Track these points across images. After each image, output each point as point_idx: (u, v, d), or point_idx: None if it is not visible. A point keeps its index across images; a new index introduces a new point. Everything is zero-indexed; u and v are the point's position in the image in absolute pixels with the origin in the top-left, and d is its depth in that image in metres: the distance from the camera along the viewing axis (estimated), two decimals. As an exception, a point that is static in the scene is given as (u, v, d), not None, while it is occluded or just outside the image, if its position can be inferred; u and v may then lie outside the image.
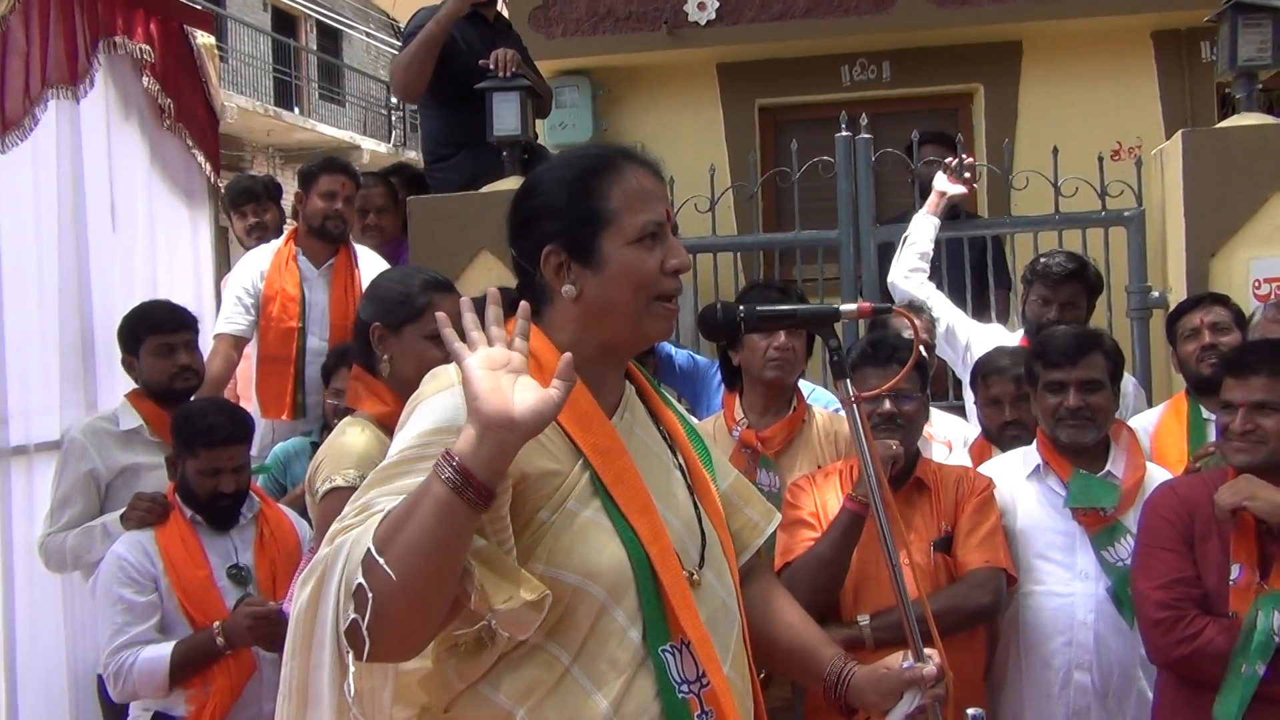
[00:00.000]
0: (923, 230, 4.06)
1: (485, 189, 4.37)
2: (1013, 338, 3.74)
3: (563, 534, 1.51)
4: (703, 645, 1.56)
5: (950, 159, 4.21)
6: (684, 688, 1.54)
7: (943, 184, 4.14)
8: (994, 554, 2.70)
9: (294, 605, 1.45)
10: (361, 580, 1.34)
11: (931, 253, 4.05)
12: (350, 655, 1.38)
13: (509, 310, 1.54)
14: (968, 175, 4.21)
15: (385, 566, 1.33)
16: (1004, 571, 2.70)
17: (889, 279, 4.06)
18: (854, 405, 1.72)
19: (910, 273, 3.98)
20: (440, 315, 1.50)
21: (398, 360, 2.50)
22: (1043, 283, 3.62)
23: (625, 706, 1.51)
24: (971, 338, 3.81)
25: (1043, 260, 3.70)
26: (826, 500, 2.77)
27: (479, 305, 1.51)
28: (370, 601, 1.34)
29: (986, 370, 3.30)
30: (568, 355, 1.43)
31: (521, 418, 1.36)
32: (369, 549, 1.35)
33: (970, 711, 1.80)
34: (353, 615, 1.35)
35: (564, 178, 1.64)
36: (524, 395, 1.38)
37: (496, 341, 1.44)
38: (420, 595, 1.36)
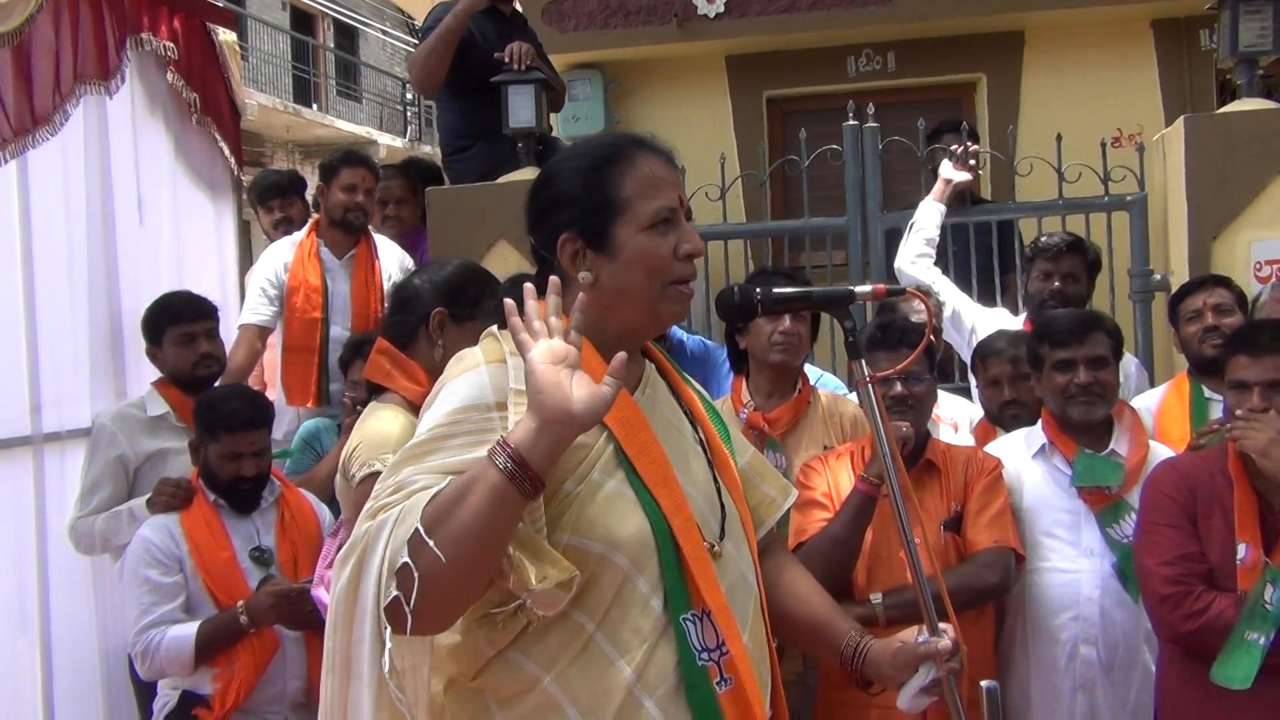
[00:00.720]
0: (929, 216, 4.12)
1: (501, 180, 4.43)
2: (1016, 322, 3.80)
3: (588, 504, 1.55)
4: (722, 614, 1.59)
5: (956, 146, 4.28)
6: (704, 655, 1.57)
7: (948, 171, 4.21)
8: (1003, 533, 2.74)
9: (335, 583, 1.47)
10: (407, 559, 1.38)
11: (937, 238, 4.11)
12: (388, 631, 1.41)
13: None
14: (973, 162, 4.27)
15: (435, 548, 1.37)
16: (1012, 550, 2.74)
17: (895, 264, 4.12)
18: (869, 386, 1.73)
19: (916, 258, 4.04)
20: (508, 303, 1.52)
21: (452, 350, 2.34)
22: (1043, 258, 3.71)
23: (647, 673, 1.54)
24: (977, 322, 3.87)
25: (1042, 238, 3.81)
26: (839, 480, 2.81)
27: (509, 290, 1.57)
28: (416, 581, 1.38)
29: (985, 352, 3.36)
30: (621, 355, 1.46)
31: (579, 414, 1.41)
32: (418, 529, 1.38)
33: (984, 684, 1.83)
34: (395, 593, 1.38)
35: (579, 167, 1.67)
36: (580, 391, 1.42)
37: (555, 333, 1.47)
38: (465, 576, 1.41)
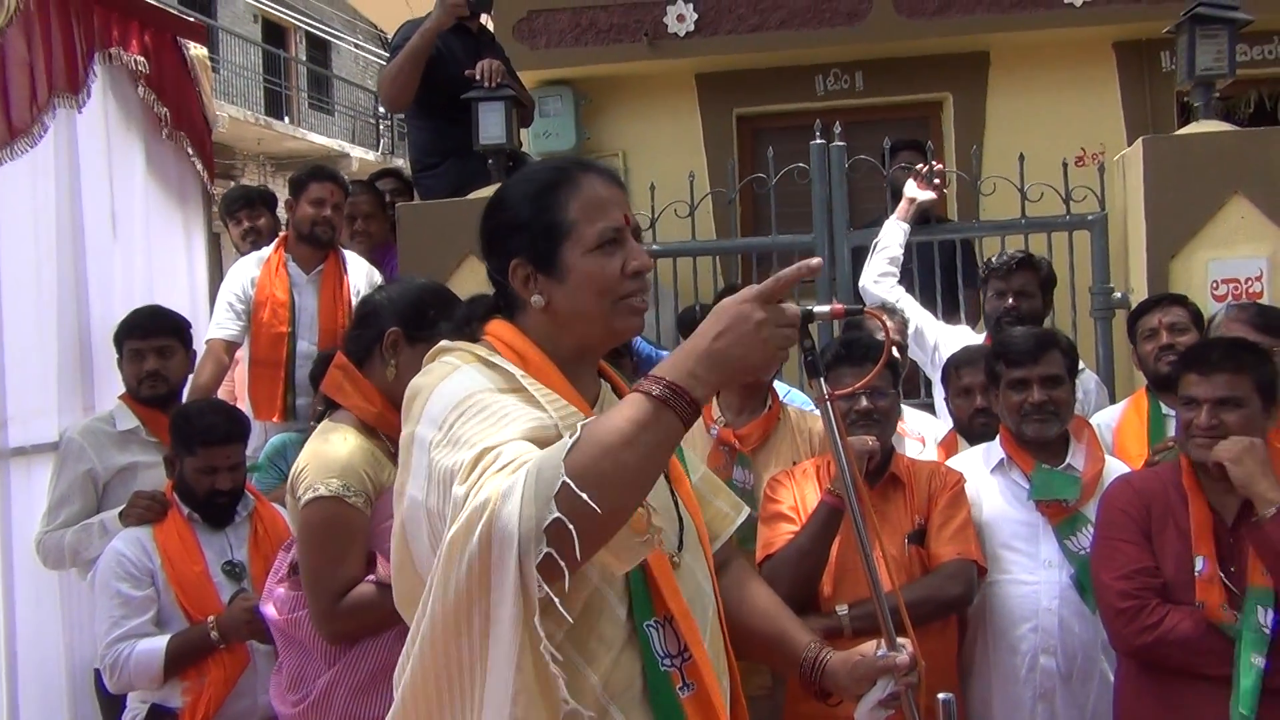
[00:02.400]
0: (893, 235, 4.18)
1: (472, 196, 4.45)
2: (978, 338, 3.86)
3: None
4: (685, 620, 1.62)
5: (921, 165, 4.34)
6: (666, 661, 1.60)
7: (913, 190, 4.27)
8: (965, 546, 2.78)
9: (453, 567, 1.42)
10: (559, 515, 1.34)
11: (901, 257, 4.17)
12: (543, 589, 1.36)
13: (488, 317, 1.64)
14: (937, 181, 4.33)
15: (589, 499, 1.34)
16: (975, 563, 2.79)
17: (860, 283, 4.17)
18: (828, 403, 1.76)
19: (880, 277, 4.10)
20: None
21: (404, 371, 2.39)
22: (996, 277, 3.79)
23: (613, 680, 1.56)
24: (939, 338, 3.94)
25: (994, 258, 3.88)
26: (805, 494, 2.85)
27: (466, 307, 1.58)
28: (575, 534, 1.34)
29: (958, 362, 3.42)
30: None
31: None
32: (565, 482, 1.35)
33: (941, 696, 1.84)
34: (546, 550, 1.34)
35: (525, 193, 1.70)
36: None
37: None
38: (621, 519, 1.40)
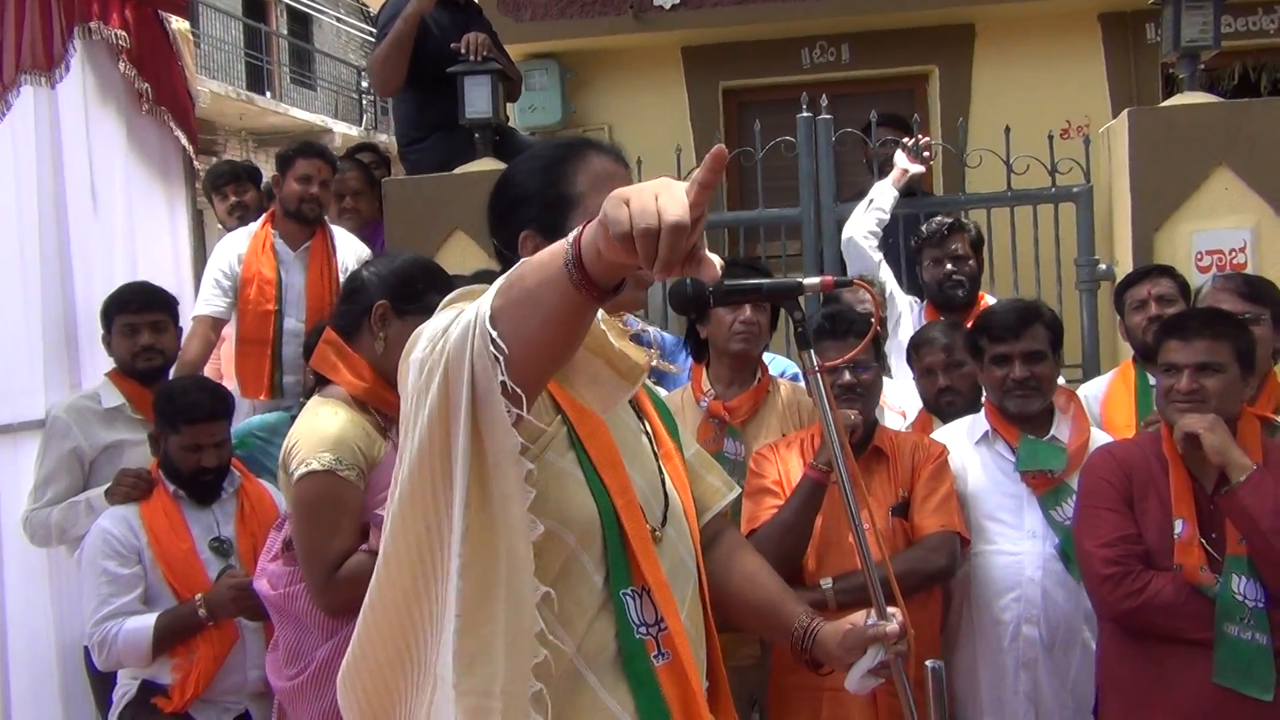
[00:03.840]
0: (885, 196, 4.17)
1: (458, 170, 4.44)
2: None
3: (539, 481, 1.56)
4: (661, 591, 1.64)
5: (908, 139, 4.34)
6: (642, 629, 1.62)
7: (903, 161, 4.27)
8: (949, 518, 2.81)
9: (422, 401, 1.43)
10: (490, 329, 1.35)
11: (887, 220, 4.18)
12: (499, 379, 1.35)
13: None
14: (926, 155, 4.34)
15: (498, 338, 1.34)
16: (958, 535, 2.82)
17: (846, 234, 4.11)
18: (818, 375, 1.77)
19: (869, 234, 4.07)
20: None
21: (393, 344, 2.41)
22: (930, 245, 3.86)
23: (586, 644, 1.59)
24: (904, 310, 3.96)
25: (923, 228, 3.93)
26: (790, 468, 2.86)
27: (461, 281, 1.57)
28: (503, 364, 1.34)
29: (919, 342, 3.43)
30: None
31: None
32: (485, 320, 1.36)
33: (929, 663, 1.87)
34: (492, 349, 1.35)
35: (535, 167, 1.75)
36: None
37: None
38: (535, 351, 1.37)
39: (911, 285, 4.21)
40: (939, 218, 3.92)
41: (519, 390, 1.36)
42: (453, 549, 1.45)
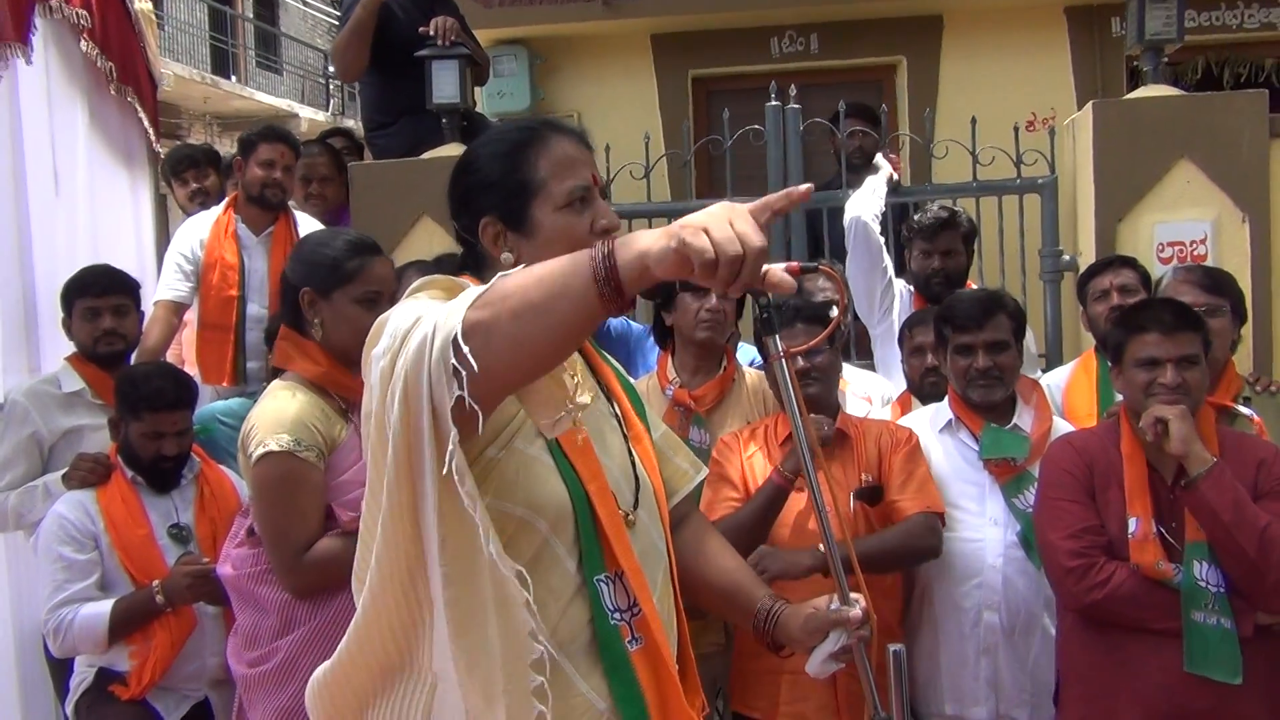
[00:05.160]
0: (882, 189, 4.15)
1: (426, 155, 4.42)
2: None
3: (509, 470, 1.59)
4: (635, 576, 1.65)
5: (891, 154, 4.35)
6: (616, 615, 1.62)
7: (886, 166, 4.28)
8: (931, 499, 2.83)
9: (377, 408, 1.44)
10: (459, 339, 1.35)
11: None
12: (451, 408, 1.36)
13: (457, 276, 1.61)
14: (893, 157, 4.37)
15: (469, 355, 1.34)
16: (939, 514, 2.84)
17: (852, 214, 3.97)
18: (782, 361, 1.77)
19: (874, 219, 4.00)
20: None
21: (329, 325, 2.49)
22: (920, 237, 3.83)
23: (560, 630, 1.59)
24: (898, 295, 3.96)
25: (915, 217, 3.90)
26: (753, 460, 2.88)
27: (425, 268, 1.56)
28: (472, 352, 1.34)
29: (912, 321, 3.46)
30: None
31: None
32: (456, 335, 1.35)
33: (891, 647, 1.89)
34: (457, 392, 1.35)
35: (495, 152, 1.72)
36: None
37: None
38: (514, 373, 1.40)
39: (898, 271, 4.21)
40: (934, 209, 3.88)
41: (476, 407, 1.37)
42: (434, 557, 1.47)
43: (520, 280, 1.38)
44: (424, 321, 1.41)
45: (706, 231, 1.31)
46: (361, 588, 1.58)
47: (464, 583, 1.47)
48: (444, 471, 1.40)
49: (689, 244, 1.30)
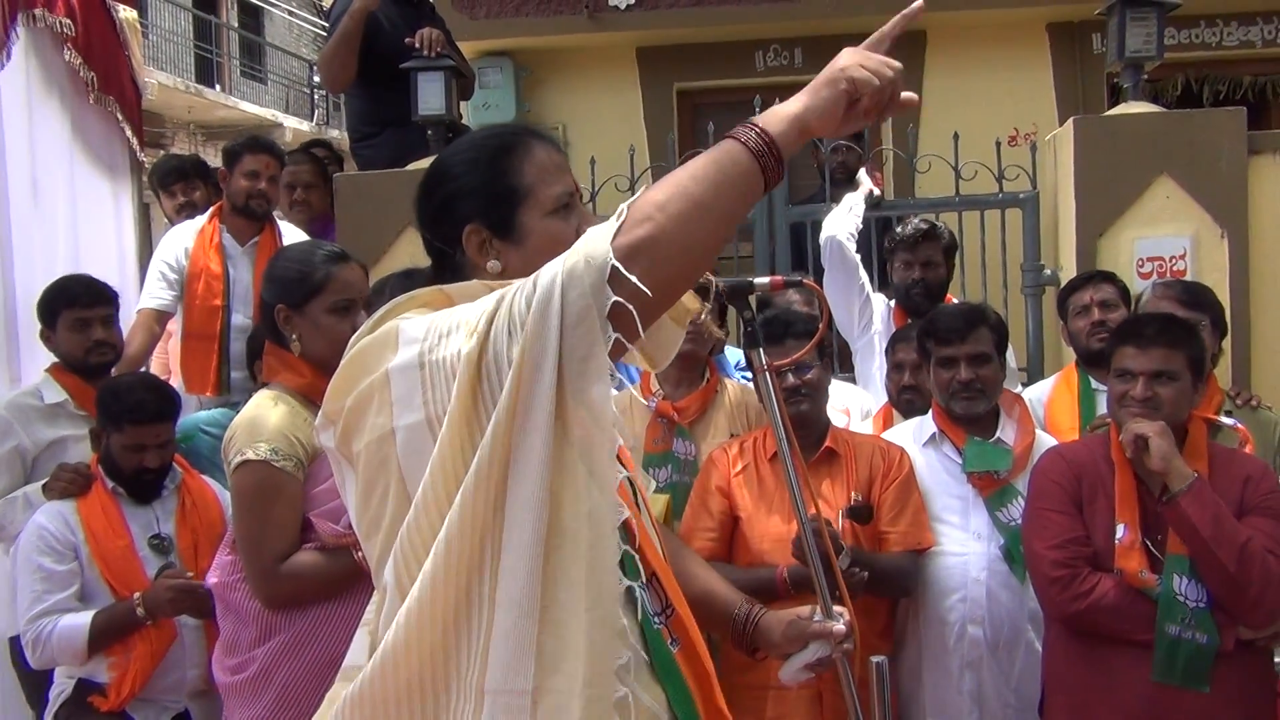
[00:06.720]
0: (860, 207, 4.17)
1: (411, 167, 4.41)
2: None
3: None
4: (666, 576, 1.62)
5: (871, 169, 4.38)
6: (656, 619, 1.58)
7: (868, 181, 4.32)
8: (921, 535, 2.87)
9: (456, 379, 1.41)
10: (616, 298, 1.34)
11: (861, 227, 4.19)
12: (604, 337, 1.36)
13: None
14: (876, 175, 4.40)
15: (637, 280, 1.33)
16: (920, 552, 2.88)
17: (828, 232, 4.01)
18: (767, 374, 1.77)
19: (849, 238, 4.03)
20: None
21: (306, 338, 2.49)
22: (902, 249, 3.86)
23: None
24: (877, 309, 3.99)
25: (897, 230, 3.93)
26: (740, 473, 2.88)
27: (403, 281, 1.53)
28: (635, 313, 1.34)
29: (896, 337, 3.48)
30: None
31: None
32: (614, 265, 1.34)
33: (874, 659, 1.88)
34: (613, 298, 1.34)
35: (475, 159, 1.67)
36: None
37: None
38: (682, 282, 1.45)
39: (881, 285, 4.24)
40: (915, 222, 3.92)
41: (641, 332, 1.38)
42: (518, 549, 1.40)
43: (670, 188, 1.40)
44: (542, 280, 1.38)
45: (848, 77, 1.46)
46: (398, 599, 1.47)
47: (558, 572, 1.41)
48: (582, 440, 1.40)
49: (857, 79, 1.45)
